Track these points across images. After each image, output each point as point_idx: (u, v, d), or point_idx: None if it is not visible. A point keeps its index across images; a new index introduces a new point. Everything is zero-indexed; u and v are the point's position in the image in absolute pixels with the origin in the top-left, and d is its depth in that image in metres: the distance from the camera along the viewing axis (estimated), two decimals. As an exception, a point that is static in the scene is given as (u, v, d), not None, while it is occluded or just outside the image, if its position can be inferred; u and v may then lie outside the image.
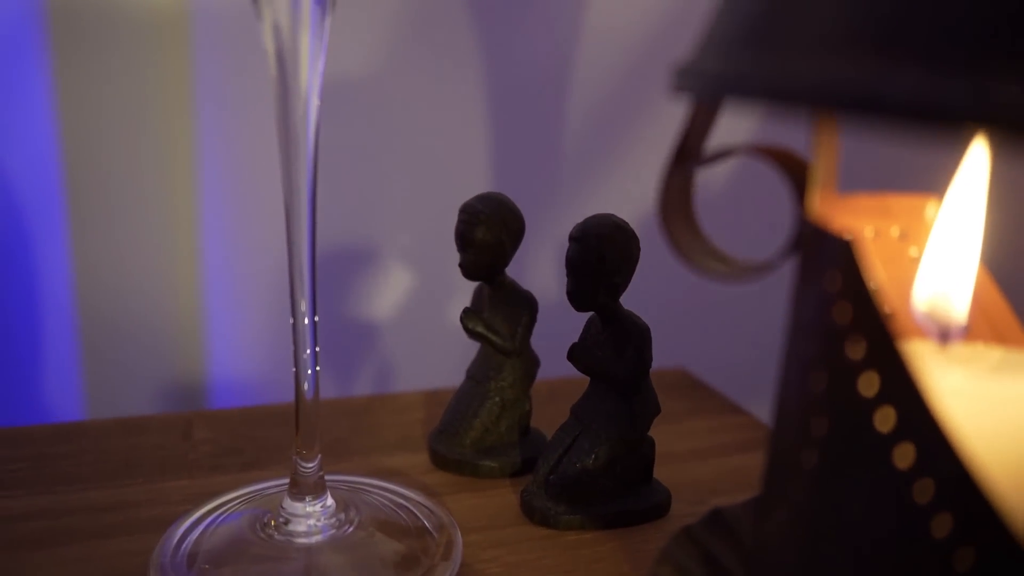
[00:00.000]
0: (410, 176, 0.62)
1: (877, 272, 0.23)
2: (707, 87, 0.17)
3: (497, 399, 0.36)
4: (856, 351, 0.17)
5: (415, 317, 0.64)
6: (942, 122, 0.13)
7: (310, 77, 0.27)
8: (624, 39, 0.61)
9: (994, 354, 0.21)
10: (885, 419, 0.16)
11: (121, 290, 0.64)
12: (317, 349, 0.30)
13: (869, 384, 0.16)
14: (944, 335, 0.20)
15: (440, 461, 0.36)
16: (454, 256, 0.36)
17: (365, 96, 0.59)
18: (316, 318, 0.29)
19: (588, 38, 0.60)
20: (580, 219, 0.32)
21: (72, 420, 0.44)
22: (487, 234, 0.34)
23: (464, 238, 0.35)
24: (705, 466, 0.38)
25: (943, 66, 0.13)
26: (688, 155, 0.21)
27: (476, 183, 0.62)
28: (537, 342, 0.37)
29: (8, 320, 0.77)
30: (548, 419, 0.39)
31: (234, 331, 0.64)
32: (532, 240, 0.60)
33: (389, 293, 0.65)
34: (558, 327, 0.38)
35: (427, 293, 0.64)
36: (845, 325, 0.17)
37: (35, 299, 0.66)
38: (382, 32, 0.58)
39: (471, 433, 0.36)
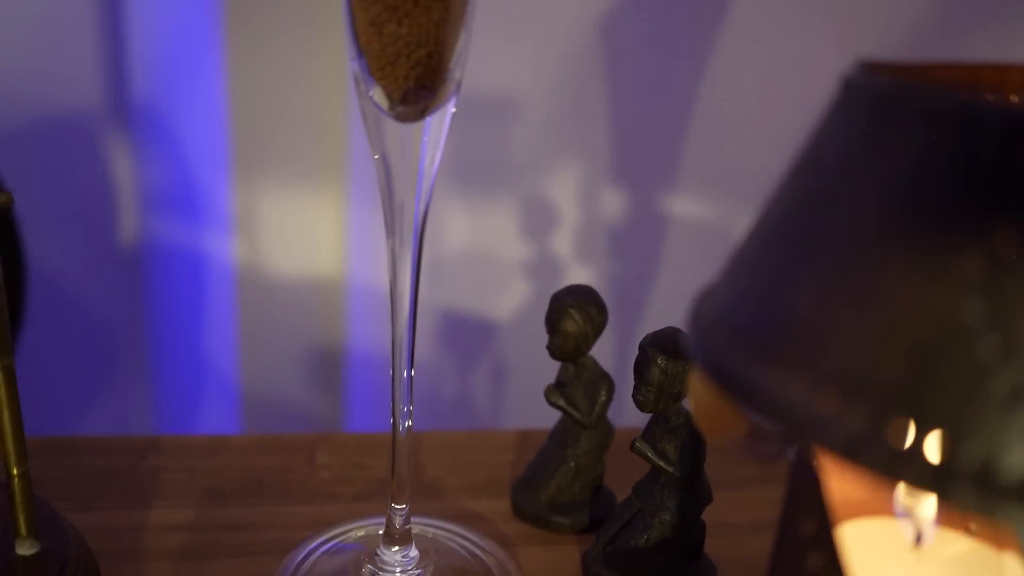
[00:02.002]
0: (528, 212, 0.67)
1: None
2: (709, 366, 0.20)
3: (572, 464, 0.41)
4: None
5: (528, 350, 0.69)
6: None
7: (419, 187, 0.32)
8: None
9: (960, 547, 0.24)
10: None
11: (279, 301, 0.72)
12: (411, 407, 0.35)
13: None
14: (918, 536, 0.24)
15: (518, 512, 0.42)
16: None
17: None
18: (412, 372, 0.35)
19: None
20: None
21: (224, 433, 0.52)
22: (572, 326, 0.39)
23: (552, 325, 0.39)
24: (760, 541, 0.41)
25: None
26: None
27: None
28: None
29: (175, 329, 0.88)
30: (622, 475, 0.43)
31: (375, 354, 0.72)
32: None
33: (510, 324, 0.70)
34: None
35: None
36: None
37: (202, 302, 0.75)
38: (538, 51, 0.62)
39: (547, 491, 0.41)
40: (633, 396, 0.36)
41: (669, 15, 0.59)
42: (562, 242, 0.68)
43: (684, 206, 0.63)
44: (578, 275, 0.67)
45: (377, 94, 0.29)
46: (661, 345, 0.35)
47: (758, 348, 0.19)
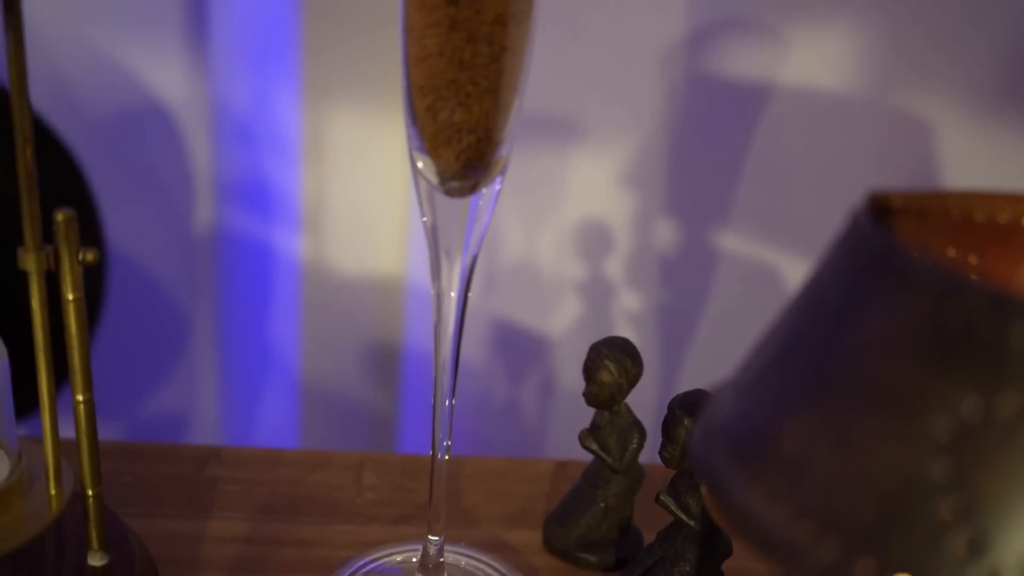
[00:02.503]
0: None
1: None
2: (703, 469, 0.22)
3: (602, 505, 0.43)
4: None
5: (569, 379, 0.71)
6: None
7: (464, 259, 0.34)
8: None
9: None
10: None
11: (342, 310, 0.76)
12: (449, 443, 0.38)
13: None
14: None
15: (549, 546, 0.44)
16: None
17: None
18: (453, 401, 0.37)
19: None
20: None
21: (282, 447, 0.55)
22: (608, 376, 0.41)
23: (588, 374, 0.41)
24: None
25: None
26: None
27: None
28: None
29: (244, 315, 0.92)
30: (652, 513, 0.45)
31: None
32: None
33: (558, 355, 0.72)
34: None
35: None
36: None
37: (267, 313, 0.79)
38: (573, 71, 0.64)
39: (576, 529, 0.43)
40: (660, 453, 0.38)
41: (732, 56, 0.59)
42: (614, 266, 0.69)
43: (735, 243, 0.64)
44: (628, 299, 0.69)
45: (428, 169, 0.32)
46: (688, 407, 0.37)
47: (750, 468, 0.21)
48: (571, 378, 0.73)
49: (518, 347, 0.77)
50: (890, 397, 0.19)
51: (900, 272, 0.19)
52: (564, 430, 0.74)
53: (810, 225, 0.60)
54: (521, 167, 0.71)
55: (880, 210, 0.24)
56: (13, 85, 0.28)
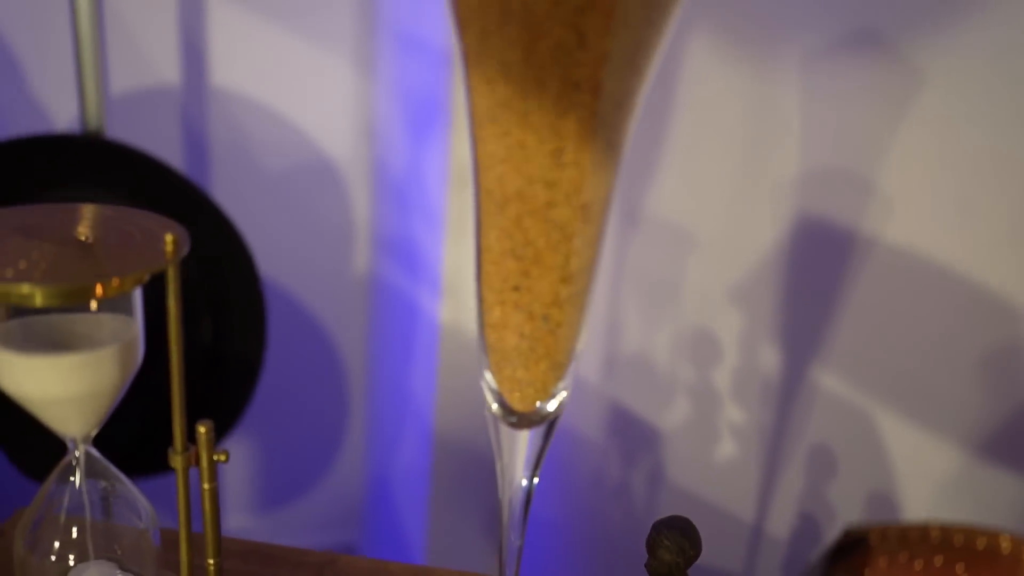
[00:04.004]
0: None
1: None
2: None
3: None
4: None
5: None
6: None
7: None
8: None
9: None
10: None
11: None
12: None
13: None
14: None
15: None
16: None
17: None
18: (521, 541, 0.43)
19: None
20: None
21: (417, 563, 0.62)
22: (667, 555, 0.45)
23: (649, 548, 0.45)
24: None
25: None
26: None
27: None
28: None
29: (388, 365, 1.01)
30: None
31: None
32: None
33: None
34: None
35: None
36: None
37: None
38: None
39: None
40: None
41: (838, 202, 0.60)
42: (722, 377, 0.72)
43: (831, 382, 0.65)
44: (732, 413, 0.71)
45: (494, 405, 0.36)
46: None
47: None
48: (679, 474, 0.77)
49: (632, 434, 0.81)
50: None
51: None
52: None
53: (906, 381, 0.61)
54: (643, 263, 0.74)
55: (854, 544, 0.27)
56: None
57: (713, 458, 0.73)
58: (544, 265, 0.33)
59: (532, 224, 0.32)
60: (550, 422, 0.37)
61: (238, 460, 1.03)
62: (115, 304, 0.35)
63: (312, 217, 1.00)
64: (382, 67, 0.94)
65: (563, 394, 0.36)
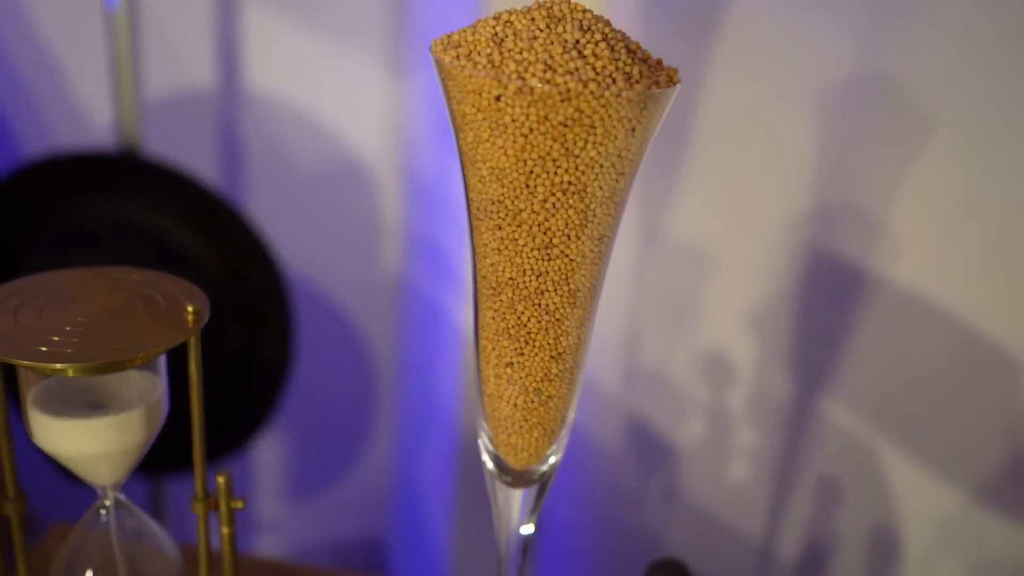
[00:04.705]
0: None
1: None
2: None
3: None
4: None
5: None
6: None
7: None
8: None
9: None
10: None
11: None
12: None
13: None
14: None
15: None
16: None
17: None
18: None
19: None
20: None
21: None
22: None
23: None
24: None
25: None
26: None
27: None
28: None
29: (414, 362, 1.03)
30: None
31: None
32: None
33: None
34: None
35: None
36: None
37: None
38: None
39: None
40: None
41: (848, 237, 0.61)
42: (736, 399, 0.73)
43: (840, 414, 0.66)
44: (745, 436, 0.73)
45: (490, 464, 0.39)
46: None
47: None
48: (692, 489, 0.79)
49: (648, 446, 0.83)
50: None
51: None
52: (684, 536, 0.79)
53: (911, 420, 0.62)
54: (662, 281, 0.76)
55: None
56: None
57: (725, 477, 0.75)
58: (536, 344, 0.35)
59: (524, 308, 0.34)
60: (543, 482, 0.39)
61: (269, 454, 1.07)
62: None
63: (342, 218, 1.03)
64: (413, 70, 0.96)
65: (555, 457, 0.38)
